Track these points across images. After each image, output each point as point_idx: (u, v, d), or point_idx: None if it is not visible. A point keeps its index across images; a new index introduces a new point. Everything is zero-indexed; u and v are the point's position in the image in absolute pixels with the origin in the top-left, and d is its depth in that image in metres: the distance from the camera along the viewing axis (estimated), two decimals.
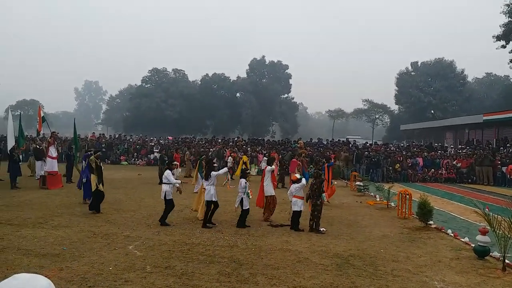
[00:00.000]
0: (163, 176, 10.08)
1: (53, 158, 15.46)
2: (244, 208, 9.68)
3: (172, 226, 9.37)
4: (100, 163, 11.17)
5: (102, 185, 10.97)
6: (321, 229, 9.46)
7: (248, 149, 24.79)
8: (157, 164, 26.76)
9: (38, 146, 17.53)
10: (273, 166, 11.63)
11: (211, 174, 9.74)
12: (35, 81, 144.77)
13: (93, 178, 10.85)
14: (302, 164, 15.03)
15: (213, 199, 9.56)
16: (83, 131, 54.58)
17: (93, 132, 35.57)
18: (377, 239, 8.92)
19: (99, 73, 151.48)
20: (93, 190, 10.80)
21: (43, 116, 16.82)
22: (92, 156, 11.12)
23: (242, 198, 9.67)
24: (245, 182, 9.81)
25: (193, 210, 10.73)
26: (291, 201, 9.92)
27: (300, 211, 9.57)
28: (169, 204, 9.68)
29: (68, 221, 9.54)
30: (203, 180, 10.29)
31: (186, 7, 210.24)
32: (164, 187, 9.74)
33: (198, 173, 14.75)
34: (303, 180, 9.94)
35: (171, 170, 10.09)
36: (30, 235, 8.03)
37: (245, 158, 19.73)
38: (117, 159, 28.08)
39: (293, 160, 15.75)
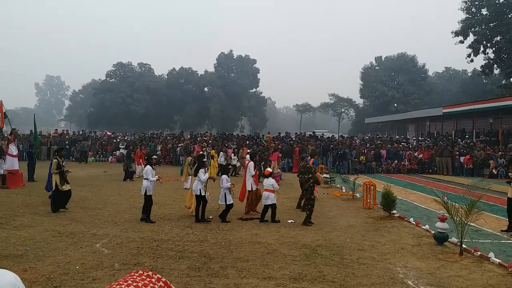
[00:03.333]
0: (144, 172, 9.93)
1: (13, 156, 14.84)
2: (228, 203, 9.74)
3: (141, 223, 9.27)
4: (62, 162, 10.83)
5: (67, 184, 10.66)
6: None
7: (220, 144, 24.68)
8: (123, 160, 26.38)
9: None
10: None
11: (200, 171, 9.69)
12: None
13: (55, 178, 10.49)
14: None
15: (202, 194, 9.55)
16: (45, 127, 52.53)
17: (56, 129, 34.33)
18: (344, 229, 9.19)
19: (61, 67, 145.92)
20: (53, 189, 10.47)
21: (5, 112, 16.07)
22: (54, 157, 10.78)
23: (225, 194, 9.72)
24: (227, 178, 9.85)
25: (187, 208, 10.52)
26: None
27: (270, 205, 9.74)
28: (149, 200, 9.58)
29: (31, 220, 9.24)
30: (193, 176, 10.29)
31: (151, 2, 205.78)
32: (145, 183, 9.60)
33: (189, 170, 14.67)
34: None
35: (150, 165, 9.94)
36: None
37: (212, 152, 19.69)
38: (82, 156, 27.22)
39: (274, 153, 15.90)
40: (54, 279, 5.63)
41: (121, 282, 1.95)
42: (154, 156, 10.84)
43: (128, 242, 7.64)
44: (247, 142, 26.53)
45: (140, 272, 2.09)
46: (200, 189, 9.55)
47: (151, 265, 6.29)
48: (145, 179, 9.69)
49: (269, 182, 9.92)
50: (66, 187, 10.57)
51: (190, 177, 13.16)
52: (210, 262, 6.53)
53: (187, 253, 6.99)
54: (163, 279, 2.10)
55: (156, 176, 9.90)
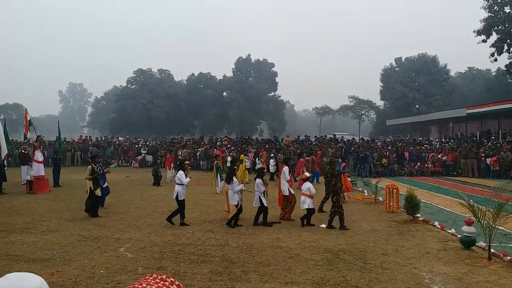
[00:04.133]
0: (176, 177, 10.03)
1: (39, 162, 15.27)
2: (265, 204, 9.76)
3: (163, 227, 9.36)
4: (97, 168, 11.04)
5: (100, 190, 10.89)
6: (322, 225, 9.64)
7: (239, 148, 24.76)
8: (147, 165, 26.79)
9: (23, 151, 17.30)
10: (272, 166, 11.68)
11: (233, 179, 9.79)
12: (18, 85, 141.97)
13: (89, 183, 10.72)
14: (312, 162, 15.07)
15: (239, 203, 9.61)
16: (69, 134, 53.86)
17: (80, 135, 35.14)
18: (366, 233, 9.05)
19: (84, 75, 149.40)
20: (88, 194, 10.68)
21: (30, 119, 16.56)
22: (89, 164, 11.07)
23: (259, 197, 9.74)
24: (262, 182, 9.89)
25: (226, 211, 10.51)
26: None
27: (307, 209, 9.73)
28: (181, 205, 9.71)
29: (57, 225, 9.46)
30: (225, 182, 10.40)
31: (170, 7, 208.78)
32: (177, 188, 9.73)
33: (218, 175, 14.88)
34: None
35: (183, 170, 10.05)
36: (18, 241, 7.95)
37: (241, 156, 19.76)
38: (105, 161, 27.75)
39: (299, 160, 15.76)
40: (80, 282, 5.74)
41: (136, 285, 1.99)
42: (187, 162, 10.88)
43: (151, 246, 7.73)
44: (266, 145, 26.53)
45: (154, 275, 2.13)
46: (237, 199, 9.62)
47: (173, 269, 6.34)
48: (178, 184, 9.78)
49: (306, 186, 9.90)
50: (99, 192, 10.79)
51: (222, 182, 13.34)
52: (232, 266, 6.54)
53: (209, 257, 7.02)
54: (176, 283, 2.13)
55: (188, 179, 9.98)
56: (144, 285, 1.99)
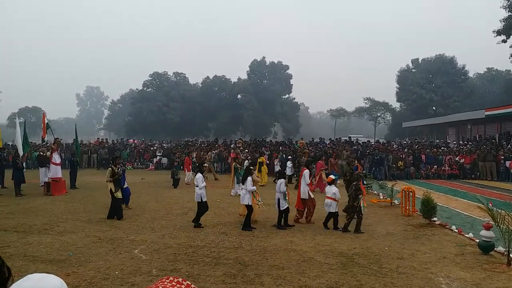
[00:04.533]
0: (195, 179, 10.07)
1: (56, 164, 15.54)
2: (281, 208, 9.72)
3: (178, 229, 9.41)
4: (118, 169, 11.07)
5: (120, 191, 10.97)
6: (360, 230, 9.49)
7: (253, 150, 24.76)
8: (162, 167, 27.04)
9: (41, 153, 17.64)
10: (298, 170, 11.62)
11: (248, 179, 9.80)
12: (37, 88, 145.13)
13: (110, 185, 10.79)
14: (331, 165, 14.94)
15: (249, 203, 9.63)
16: (86, 136, 54.79)
17: (97, 138, 35.70)
18: (382, 237, 8.93)
19: (100, 78, 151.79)
20: (111, 197, 10.80)
21: (47, 122, 16.91)
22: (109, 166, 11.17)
23: (279, 199, 9.73)
24: (284, 183, 9.88)
25: (241, 215, 10.51)
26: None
27: (333, 212, 9.69)
28: (204, 206, 9.81)
29: (73, 226, 9.60)
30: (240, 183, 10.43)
31: (185, 11, 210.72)
32: (198, 190, 9.81)
33: (235, 177, 14.90)
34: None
35: (201, 172, 10.13)
36: (36, 242, 8.09)
37: (262, 158, 19.74)
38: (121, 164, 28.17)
39: (318, 162, 15.69)
40: (95, 283, 5.80)
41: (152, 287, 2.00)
42: (206, 164, 10.88)
43: (165, 248, 7.77)
44: (280, 148, 26.46)
45: (171, 278, 2.13)
46: (247, 199, 9.62)
47: (187, 271, 6.36)
48: (197, 186, 9.84)
49: (331, 190, 9.84)
50: (119, 194, 10.88)
51: (238, 184, 13.33)
52: (245, 269, 6.52)
53: (222, 260, 7.02)
54: (193, 286, 2.12)
55: (205, 183, 10.03)
56: (160, 287, 2.00)
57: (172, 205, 12.77)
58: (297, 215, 10.60)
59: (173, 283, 2.08)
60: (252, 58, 64.46)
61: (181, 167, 22.11)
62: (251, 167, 10.40)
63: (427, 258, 7.25)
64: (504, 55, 39.35)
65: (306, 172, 10.82)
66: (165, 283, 2.06)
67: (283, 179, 10.05)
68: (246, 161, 20.44)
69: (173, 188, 17.35)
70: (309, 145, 26.51)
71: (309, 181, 10.80)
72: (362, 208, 9.48)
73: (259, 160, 19.18)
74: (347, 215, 9.78)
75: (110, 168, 11.00)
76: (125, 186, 11.79)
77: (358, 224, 9.42)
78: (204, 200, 9.80)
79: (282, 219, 9.84)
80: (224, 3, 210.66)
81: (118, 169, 11.06)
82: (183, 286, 2.08)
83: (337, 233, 9.30)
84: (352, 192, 9.73)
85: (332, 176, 10.45)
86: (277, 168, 20.24)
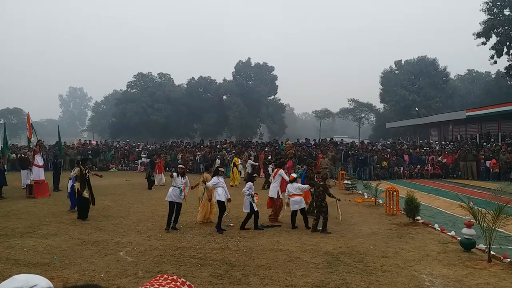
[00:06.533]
0: (212, 182, 9.86)
1: (39, 166, 15.28)
2: (255, 209, 9.70)
3: (163, 231, 9.35)
4: (86, 171, 11.10)
5: (88, 192, 10.90)
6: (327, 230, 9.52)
7: (233, 151, 24.79)
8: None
9: (23, 155, 17.33)
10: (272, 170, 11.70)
11: (213, 178, 9.79)
12: (18, 89, 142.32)
13: (76, 185, 10.92)
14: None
15: (221, 199, 9.58)
16: (69, 138, 53.95)
17: (79, 139, 35.17)
18: (366, 236, 9.05)
19: (84, 79, 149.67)
20: (76, 196, 10.87)
21: (32, 123, 16.58)
22: (77, 166, 11.19)
23: (250, 202, 9.71)
24: (251, 186, 9.88)
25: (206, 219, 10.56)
26: (287, 202, 10.06)
27: (297, 210, 9.74)
28: (222, 206, 9.67)
29: (57, 229, 9.46)
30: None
31: (170, 12, 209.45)
32: (219, 190, 9.70)
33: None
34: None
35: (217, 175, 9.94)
36: (18, 245, 7.94)
37: (236, 160, 19.80)
38: (105, 165, 27.86)
39: (288, 161, 15.80)
40: None
41: (147, 286, 1.98)
42: (221, 169, 10.60)
43: (151, 250, 7.73)
44: (266, 149, 26.54)
45: (165, 276, 2.12)
46: (220, 195, 9.59)
47: (174, 273, 6.30)
48: (218, 187, 9.70)
49: (295, 186, 9.90)
50: (86, 194, 10.81)
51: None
52: (232, 269, 6.54)
53: (209, 261, 7.01)
54: (188, 283, 2.12)
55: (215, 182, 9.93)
56: (156, 285, 1.99)
57: (157, 207, 12.69)
58: (270, 214, 10.69)
59: (168, 280, 2.07)
60: (237, 59, 64.53)
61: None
62: (221, 168, 10.39)
63: (411, 256, 7.38)
64: (484, 57, 40.29)
65: (282, 171, 10.96)
66: (160, 280, 2.05)
67: (251, 182, 10.02)
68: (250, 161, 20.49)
69: (148, 189, 17.17)
70: (294, 146, 26.64)
71: (288, 179, 10.92)
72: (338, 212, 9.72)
73: (233, 160, 19.35)
74: (315, 215, 9.76)
75: (78, 168, 11.11)
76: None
77: (325, 224, 9.46)
78: (221, 199, 9.62)
79: (244, 221, 9.78)
80: (208, 3, 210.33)
81: (85, 171, 11.02)
82: (178, 283, 2.08)
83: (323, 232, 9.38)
84: (320, 192, 9.77)
85: (293, 175, 10.51)
86: (249, 169, 20.08)
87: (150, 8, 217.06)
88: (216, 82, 62.40)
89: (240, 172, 20.22)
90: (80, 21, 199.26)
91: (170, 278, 2.11)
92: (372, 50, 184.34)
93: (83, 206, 10.69)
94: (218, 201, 9.62)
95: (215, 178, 9.76)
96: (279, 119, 63.08)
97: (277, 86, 63.38)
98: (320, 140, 31.95)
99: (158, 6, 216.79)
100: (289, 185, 10.13)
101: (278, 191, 10.76)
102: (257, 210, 9.78)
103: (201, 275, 6.24)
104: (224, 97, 61.08)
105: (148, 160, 27.13)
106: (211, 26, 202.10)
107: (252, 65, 62.30)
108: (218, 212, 9.62)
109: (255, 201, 9.79)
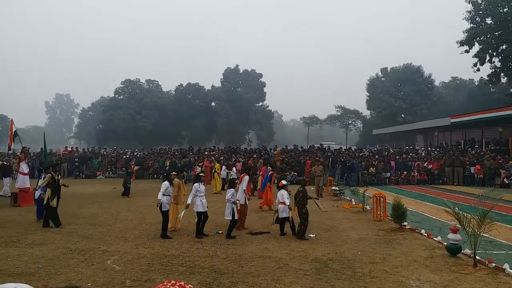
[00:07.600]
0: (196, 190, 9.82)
1: (24, 174, 15.04)
2: (234, 219, 9.66)
3: (151, 238, 9.28)
4: (58, 177, 10.89)
5: (57, 200, 10.65)
6: (308, 236, 9.55)
7: (221, 158, 24.72)
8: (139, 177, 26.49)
9: (5, 162, 17.03)
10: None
11: (194, 185, 9.74)
12: (3, 96, 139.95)
13: (48, 193, 10.57)
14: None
15: (201, 210, 9.53)
16: (55, 145, 53.08)
17: (66, 147, 34.72)
18: (354, 242, 9.11)
19: (71, 86, 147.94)
20: (44, 204, 10.58)
21: (15, 130, 16.31)
22: (49, 172, 10.85)
23: (232, 209, 9.65)
24: (233, 193, 9.85)
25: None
26: (277, 208, 10.05)
27: (286, 217, 9.73)
28: (199, 216, 9.63)
29: (42, 238, 9.30)
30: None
31: (157, 19, 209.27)
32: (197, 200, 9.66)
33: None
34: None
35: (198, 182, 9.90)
36: (3, 255, 7.79)
37: (217, 166, 19.76)
38: (92, 173, 27.55)
39: (262, 167, 15.82)
40: None
41: None
42: (202, 174, 10.56)
43: (139, 258, 7.65)
44: (255, 155, 26.57)
45: (173, 282, 2.13)
46: (198, 205, 9.56)
47: (162, 281, 6.27)
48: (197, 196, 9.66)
49: (282, 194, 9.91)
50: (55, 203, 10.59)
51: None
52: (221, 277, 6.51)
53: (197, 269, 6.97)
54: None
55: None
56: None
57: (145, 214, 12.58)
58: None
59: (176, 286, 2.09)
60: (225, 66, 64.67)
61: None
62: (201, 174, 10.43)
63: (398, 261, 7.45)
64: (467, 64, 41.15)
65: (246, 178, 11.00)
66: (168, 286, 2.07)
67: (233, 189, 9.98)
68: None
69: (125, 197, 16.96)
70: (282, 153, 26.73)
71: (245, 188, 11.05)
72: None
73: (215, 167, 19.35)
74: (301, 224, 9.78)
75: (49, 174, 10.76)
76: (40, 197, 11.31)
77: (304, 230, 9.48)
78: (199, 210, 9.58)
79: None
80: (196, 10, 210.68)
81: (57, 177, 10.83)
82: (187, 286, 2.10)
83: (312, 239, 9.41)
84: (300, 199, 9.79)
85: (283, 182, 10.45)
86: (233, 175, 20.04)
87: (137, 14, 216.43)
88: (205, 89, 62.46)
89: (223, 179, 20.16)
90: (66, 26, 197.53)
91: (178, 284, 2.13)
92: (360, 57, 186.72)
93: (51, 215, 10.46)
94: (197, 212, 9.61)
95: (196, 185, 9.73)
96: (267, 126, 63.34)
97: (265, 93, 63.72)
98: (308, 147, 32.11)
99: (146, 12, 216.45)
100: (278, 193, 10.15)
101: (245, 197, 10.84)
102: (237, 219, 9.75)
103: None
104: (213, 103, 61.13)
105: (138, 167, 27.00)
106: (200, 34, 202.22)
107: (240, 72, 62.55)
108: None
109: (238, 207, 9.78)
